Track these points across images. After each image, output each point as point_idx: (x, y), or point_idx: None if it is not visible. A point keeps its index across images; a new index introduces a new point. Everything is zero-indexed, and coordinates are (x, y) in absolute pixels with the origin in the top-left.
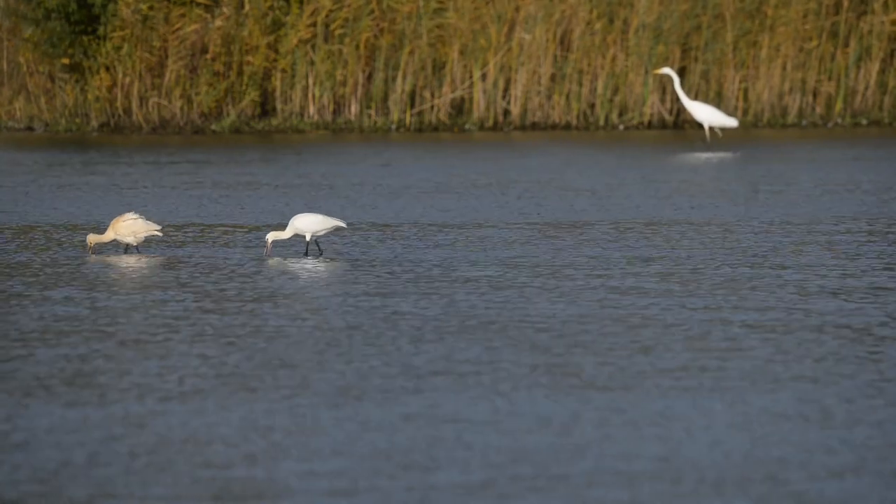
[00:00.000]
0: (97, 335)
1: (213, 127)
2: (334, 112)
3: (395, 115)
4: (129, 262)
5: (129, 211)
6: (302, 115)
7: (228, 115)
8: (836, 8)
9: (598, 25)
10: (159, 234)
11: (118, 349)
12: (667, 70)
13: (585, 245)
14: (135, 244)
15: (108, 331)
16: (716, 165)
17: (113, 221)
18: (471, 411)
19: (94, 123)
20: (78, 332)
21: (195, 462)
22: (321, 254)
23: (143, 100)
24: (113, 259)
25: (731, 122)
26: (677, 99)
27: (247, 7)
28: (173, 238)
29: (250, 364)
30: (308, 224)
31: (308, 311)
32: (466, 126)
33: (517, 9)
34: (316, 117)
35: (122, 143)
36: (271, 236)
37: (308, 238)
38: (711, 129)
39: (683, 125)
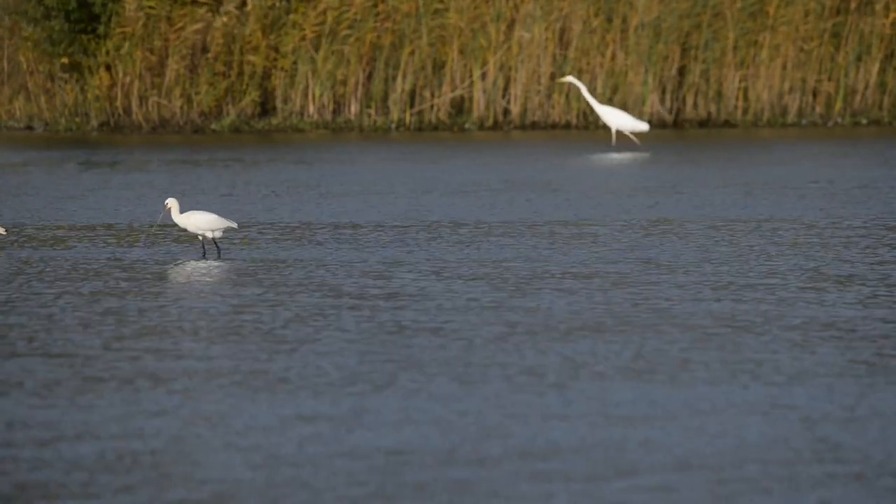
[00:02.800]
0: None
1: (213, 126)
2: (334, 111)
3: (395, 115)
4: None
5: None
6: (302, 114)
7: (228, 114)
8: (837, 9)
9: (596, 23)
10: (4, 233)
11: (251, 345)
12: (570, 78)
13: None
14: None
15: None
16: (746, 163)
17: None
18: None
19: (94, 123)
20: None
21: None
22: (219, 255)
23: (142, 99)
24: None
25: (642, 127)
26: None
27: (249, 6)
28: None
29: (373, 364)
30: (202, 222)
31: (419, 311)
32: (466, 125)
33: (516, 8)
34: (316, 117)
35: (123, 143)
36: (171, 202)
37: (210, 236)
38: (620, 133)
39: (683, 124)
